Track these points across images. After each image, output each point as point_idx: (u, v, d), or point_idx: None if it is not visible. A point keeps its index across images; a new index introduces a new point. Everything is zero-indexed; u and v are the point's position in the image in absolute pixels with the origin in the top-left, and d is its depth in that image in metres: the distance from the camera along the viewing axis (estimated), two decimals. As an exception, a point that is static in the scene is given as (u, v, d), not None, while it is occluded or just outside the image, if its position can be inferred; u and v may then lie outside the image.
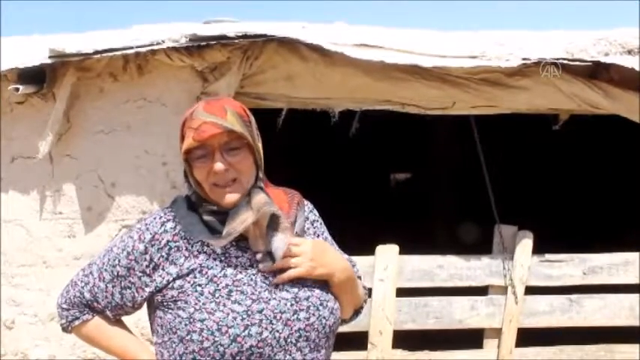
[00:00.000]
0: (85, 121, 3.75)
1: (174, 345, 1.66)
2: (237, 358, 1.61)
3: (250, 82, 3.74)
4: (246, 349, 1.61)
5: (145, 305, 1.77)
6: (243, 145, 1.68)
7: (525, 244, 4.08)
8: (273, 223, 1.69)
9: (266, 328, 1.62)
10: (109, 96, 3.76)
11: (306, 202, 1.85)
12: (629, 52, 3.80)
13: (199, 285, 1.65)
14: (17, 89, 3.51)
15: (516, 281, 4.05)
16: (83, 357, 3.72)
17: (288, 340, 1.64)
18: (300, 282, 1.70)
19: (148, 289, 1.70)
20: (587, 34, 3.93)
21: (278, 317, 1.64)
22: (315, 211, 1.87)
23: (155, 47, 3.53)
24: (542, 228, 4.50)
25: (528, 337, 4.19)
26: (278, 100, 3.84)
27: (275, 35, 3.58)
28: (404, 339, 4.19)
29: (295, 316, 1.65)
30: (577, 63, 3.75)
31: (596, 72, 3.91)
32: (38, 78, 3.59)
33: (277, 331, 1.63)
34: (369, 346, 4.02)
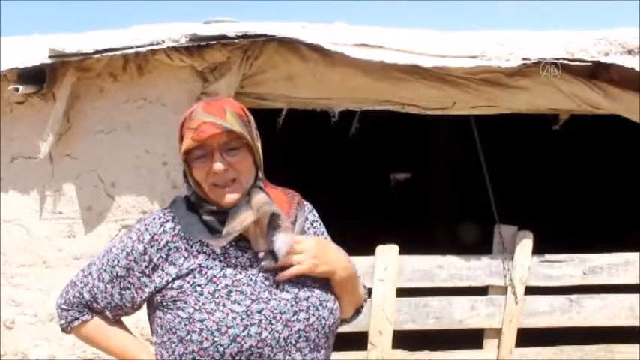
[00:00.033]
0: (85, 121, 3.75)
1: (173, 345, 1.66)
2: (237, 358, 1.61)
3: (250, 82, 3.75)
4: (246, 349, 1.61)
5: (144, 305, 1.77)
6: (242, 145, 1.68)
7: (525, 244, 4.08)
8: (273, 222, 1.69)
9: (265, 329, 1.62)
10: (109, 96, 3.76)
11: (305, 202, 1.85)
12: (629, 52, 3.80)
13: (199, 285, 1.65)
14: (17, 89, 3.51)
15: (516, 281, 4.05)
16: (83, 357, 3.72)
17: (288, 340, 1.64)
18: (299, 282, 1.70)
19: (147, 290, 1.70)
20: (587, 34, 3.93)
21: (278, 317, 1.64)
22: (315, 212, 1.88)
23: (155, 47, 3.53)
24: (542, 228, 4.50)
25: (528, 337, 4.19)
26: (278, 100, 3.84)
27: (275, 35, 3.58)
28: (404, 339, 4.19)
29: (295, 316, 1.65)
30: (577, 63, 3.75)
31: (596, 72, 3.91)
32: (38, 78, 3.59)
33: (277, 331, 1.63)
34: (369, 346, 4.02)
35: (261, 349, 1.61)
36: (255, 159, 1.71)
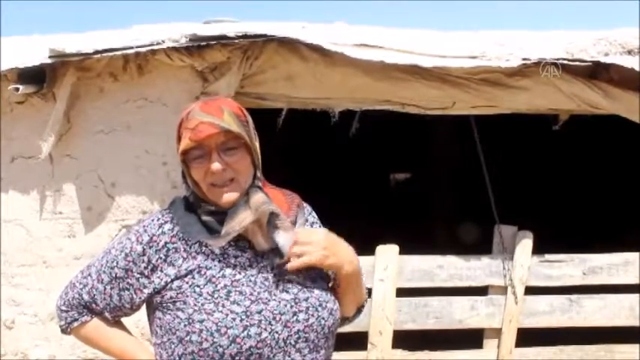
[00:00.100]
0: (85, 121, 3.75)
1: (173, 346, 1.66)
2: (237, 358, 1.60)
3: (250, 82, 3.74)
4: (246, 349, 1.60)
5: (144, 306, 1.77)
6: (240, 144, 1.68)
7: (525, 244, 4.08)
8: (272, 221, 1.68)
9: (265, 329, 1.62)
10: (109, 96, 3.76)
11: (305, 204, 1.85)
12: (629, 52, 3.80)
13: (198, 286, 1.65)
14: (17, 89, 3.51)
15: (516, 281, 4.05)
16: (83, 357, 3.72)
17: (288, 341, 1.64)
18: (299, 283, 1.70)
19: (146, 291, 1.70)
20: (587, 34, 3.93)
21: (277, 318, 1.64)
22: (314, 214, 1.88)
23: (155, 47, 3.53)
24: (542, 228, 4.50)
25: (528, 337, 4.19)
26: (278, 100, 3.83)
27: (275, 35, 3.58)
28: (404, 339, 4.19)
29: (295, 317, 1.65)
30: (577, 63, 3.75)
31: (596, 72, 3.91)
32: (38, 78, 3.59)
33: (276, 332, 1.63)
34: (369, 346, 4.02)
35: (261, 350, 1.61)
36: (254, 159, 1.71)
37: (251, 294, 1.65)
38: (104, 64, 3.68)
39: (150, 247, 1.70)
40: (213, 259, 1.68)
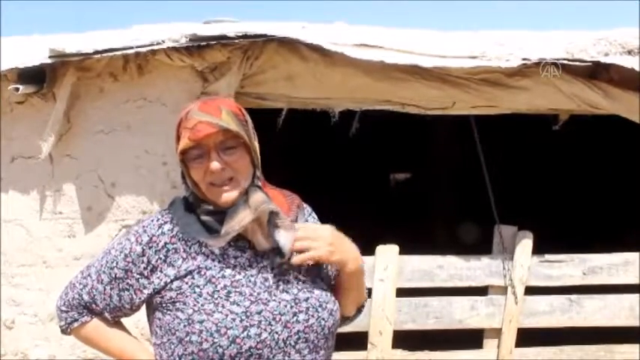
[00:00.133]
0: (85, 121, 3.75)
1: (172, 346, 1.66)
2: (236, 359, 1.60)
3: (250, 82, 3.74)
4: (245, 350, 1.60)
5: (144, 306, 1.77)
6: (239, 144, 1.68)
7: (525, 244, 4.08)
8: (273, 220, 1.68)
9: (265, 330, 1.62)
10: (109, 96, 3.76)
11: (305, 205, 1.85)
12: (629, 52, 3.80)
13: (197, 286, 1.65)
14: (17, 89, 3.51)
15: (516, 281, 4.05)
16: (83, 357, 3.72)
17: (287, 341, 1.64)
18: (299, 283, 1.70)
19: (146, 291, 1.70)
20: (587, 34, 3.93)
21: (277, 319, 1.64)
22: (314, 215, 1.87)
23: (155, 47, 3.53)
24: (542, 228, 4.50)
25: (528, 337, 4.19)
26: (278, 100, 3.83)
27: (275, 35, 3.58)
28: (404, 339, 4.19)
29: (294, 317, 1.65)
30: (577, 63, 3.75)
31: (596, 72, 3.91)
32: (38, 78, 3.59)
33: (276, 332, 1.63)
34: (368, 346, 4.02)
35: (261, 351, 1.61)
36: (253, 158, 1.71)
37: (251, 294, 1.65)
38: (104, 64, 3.68)
39: (149, 248, 1.69)
40: (213, 260, 1.68)
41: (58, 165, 3.75)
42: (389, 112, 4.02)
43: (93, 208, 3.76)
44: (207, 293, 1.64)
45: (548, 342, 4.27)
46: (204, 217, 1.68)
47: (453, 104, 3.93)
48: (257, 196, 1.68)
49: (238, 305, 1.63)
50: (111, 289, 1.74)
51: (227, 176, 1.66)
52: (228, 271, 1.67)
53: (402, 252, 4.03)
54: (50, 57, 3.48)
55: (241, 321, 1.61)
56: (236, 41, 3.55)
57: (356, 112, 4.05)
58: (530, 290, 4.13)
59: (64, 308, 1.80)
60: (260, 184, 1.72)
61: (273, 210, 1.68)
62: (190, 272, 1.67)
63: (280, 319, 1.64)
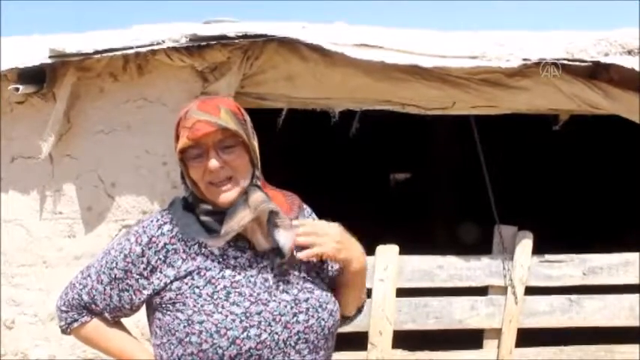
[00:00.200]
0: (85, 121, 3.75)
1: (172, 347, 1.66)
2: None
3: (251, 82, 3.74)
4: (245, 351, 1.60)
5: (144, 306, 1.77)
6: (237, 143, 1.67)
7: (525, 244, 4.08)
8: (272, 220, 1.68)
9: (265, 330, 1.62)
10: (109, 96, 3.76)
11: (305, 205, 1.85)
12: (629, 52, 3.80)
13: (197, 287, 1.65)
14: (17, 89, 3.51)
15: (516, 281, 4.05)
16: (83, 357, 3.72)
17: (287, 342, 1.64)
18: (299, 283, 1.70)
19: (145, 292, 1.70)
20: (587, 34, 3.93)
21: (277, 319, 1.63)
22: (314, 215, 1.87)
23: (155, 47, 3.53)
24: (542, 228, 4.50)
25: (528, 337, 4.19)
26: (278, 100, 3.83)
27: (275, 35, 3.58)
28: (404, 339, 4.19)
29: (294, 318, 1.65)
30: (577, 63, 3.75)
31: (596, 72, 3.91)
32: (38, 78, 3.59)
33: (276, 333, 1.63)
34: (369, 346, 4.02)
35: (261, 351, 1.61)
36: (252, 157, 1.70)
37: (250, 295, 1.64)
38: (104, 64, 3.68)
39: (149, 249, 1.69)
40: (212, 260, 1.67)
41: (58, 165, 3.75)
42: (389, 112, 4.02)
43: (93, 208, 3.76)
44: (207, 294, 1.64)
45: (548, 342, 4.28)
46: (203, 218, 1.68)
47: (453, 104, 3.93)
48: (256, 196, 1.67)
49: (238, 306, 1.62)
50: (111, 289, 1.74)
51: (226, 175, 1.66)
52: (227, 272, 1.66)
53: (402, 252, 4.03)
54: (50, 57, 3.48)
55: (241, 322, 1.61)
56: (236, 41, 3.55)
57: (356, 112, 4.05)
58: (530, 290, 4.13)
59: (64, 308, 1.80)
60: (259, 183, 1.71)
61: (273, 209, 1.68)
62: (190, 273, 1.66)
63: (280, 320, 1.64)
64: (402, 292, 4.05)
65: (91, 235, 3.75)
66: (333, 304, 1.74)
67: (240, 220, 1.65)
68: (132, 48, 3.49)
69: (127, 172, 3.75)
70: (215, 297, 1.63)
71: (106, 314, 1.77)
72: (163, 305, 1.68)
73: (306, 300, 1.68)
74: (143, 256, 1.69)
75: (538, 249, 4.13)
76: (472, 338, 4.21)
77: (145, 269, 1.69)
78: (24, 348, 3.78)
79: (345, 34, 3.82)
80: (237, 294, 1.64)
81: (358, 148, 7.28)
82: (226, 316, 1.61)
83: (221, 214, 1.67)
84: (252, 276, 1.67)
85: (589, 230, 6.88)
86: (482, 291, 4.14)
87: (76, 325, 1.79)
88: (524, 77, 3.86)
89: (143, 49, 3.51)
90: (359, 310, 1.92)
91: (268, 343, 1.62)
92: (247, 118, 1.73)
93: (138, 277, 1.70)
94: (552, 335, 4.25)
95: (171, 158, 3.68)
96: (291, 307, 1.65)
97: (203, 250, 1.68)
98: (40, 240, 3.77)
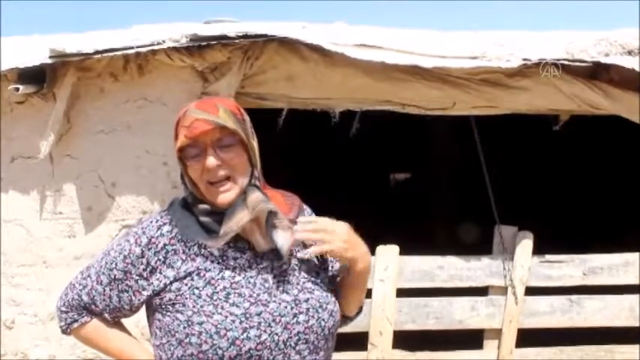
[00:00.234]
0: (86, 121, 3.75)
1: (172, 348, 1.65)
2: (236, 360, 1.60)
3: (251, 82, 3.74)
4: (245, 352, 1.60)
5: (144, 307, 1.77)
6: (236, 141, 1.67)
7: (525, 244, 4.08)
8: (271, 220, 1.67)
9: (265, 331, 1.61)
10: (109, 96, 3.76)
11: (305, 206, 1.84)
12: (630, 52, 3.80)
13: (197, 288, 1.65)
14: (17, 89, 3.51)
15: (516, 282, 4.05)
16: (83, 357, 3.72)
17: (287, 343, 1.63)
18: (299, 284, 1.70)
19: (145, 293, 1.70)
20: (587, 34, 3.93)
21: (277, 320, 1.63)
22: (314, 216, 1.87)
23: (156, 47, 3.53)
24: (543, 228, 4.50)
25: (528, 337, 4.19)
26: (278, 100, 3.83)
27: (275, 35, 3.58)
28: (404, 339, 4.19)
29: (295, 319, 1.65)
30: (577, 63, 3.75)
31: (597, 72, 3.91)
32: (38, 78, 3.59)
33: (276, 334, 1.62)
34: (369, 346, 4.02)
35: (260, 352, 1.61)
36: (251, 157, 1.70)
37: (250, 296, 1.64)
38: (104, 64, 3.68)
39: (148, 249, 1.69)
40: (212, 261, 1.67)
41: (58, 165, 3.75)
42: (389, 113, 4.02)
43: (93, 208, 3.76)
44: (207, 295, 1.63)
45: (548, 342, 4.27)
46: (202, 218, 1.68)
47: (453, 105, 3.93)
48: (255, 196, 1.67)
49: (238, 307, 1.62)
50: (110, 290, 1.73)
51: (224, 174, 1.65)
52: (227, 273, 1.66)
53: (402, 252, 4.03)
54: (50, 57, 3.48)
55: (241, 322, 1.61)
56: (236, 41, 3.55)
57: (356, 113, 4.05)
58: (531, 290, 4.13)
59: (63, 309, 1.80)
60: (258, 183, 1.71)
61: (271, 209, 1.67)
62: (190, 274, 1.66)
63: (280, 321, 1.63)
64: (402, 293, 4.05)
65: (91, 235, 3.75)
66: (333, 304, 1.73)
67: (238, 220, 1.64)
68: (132, 48, 3.49)
69: (127, 172, 3.75)
70: (215, 298, 1.63)
71: (106, 315, 1.77)
72: (163, 306, 1.67)
73: (307, 300, 1.68)
74: (143, 257, 1.69)
75: (538, 249, 4.13)
76: (472, 338, 4.22)
77: (144, 270, 1.69)
78: (24, 348, 3.78)
79: (346, 34, 3.82)
80: (236, 295, 1.63)
81: (358, 149, 7.28)
82: (226, 317, 1.61)
83: (220, 214, 1.66)
84: (251, 277, 1.67)
85: (589, 230, 6.88)
86: (482, 291, 4.14)
87: (75, 325, 1.79)
88: (524, 77, 3.86)
89: (143, 49, 3.51)
90: (359, 310, 1.92)
91: (268, 343, 1.61)
92: (247, 118, 1.72)
93: (137, 278, 1.70)
94: (553, 335, 4.25)
95: (172, 158, 3.66)
96: (292, 308, 1.65)
97: (203, 251, 1.68)
98: (40, 240, 3.77)
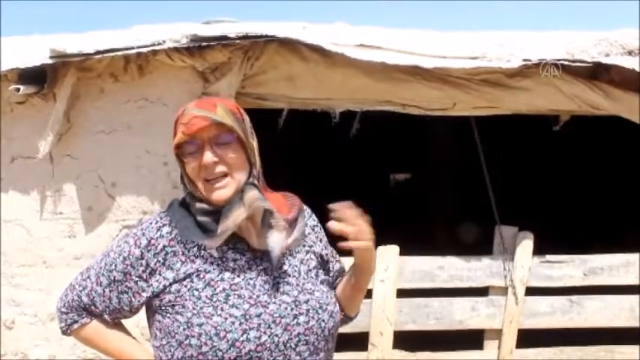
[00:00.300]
0: (86, 121, 3.75)
1: (172, 349, 1.65)
2: (236, 362, 1.60)
3: (251, 82, 3.74)
4: (245, 353, 1.60)
5: (144, 308, 1.77)
6: (233, 139, 1.66)
7: (526, 244, 4.08)
8: (267, 220, 1.67)
9: (265, 333, 1.61)
10: (109, 96, 3.76)
11: (305, 207, 1.84)
12: (630, 52, 3.80)
13: (196, 289, 1.64)
14: (18, 89, 3.51)
15: (517, 282, 4.05)
16: (83, 357, 3.72)
17: (287, 344, 1.63)
18: (299, 285, 1.69)
19: (145, 294, 1.70)
20: (587, 34, 3.93)
21: (277, 321, 1.63)
22: (315, 217, 1.87)
23: (156, 47, 3.53)
24: (543, 229, 4.50)
25: (529, 338, 4.19)
26: (279, 100, 3.83)
27: (276, 36, 3.58)
28: (404, 340, 4.19)
29: (295, 320, 1.64)
30: (578, 64, 3.75)
31: (597, 73, 3.91)
32: (39, 78, 3.59)
33: (276, 335, 1.62)
34: (369, 346, 4.02)
35: (260, 354, 1.60)
36: (249, 156, 1.70)
37: (250, 297, 1.64)
38: (105, 65, 3.68)
39: (148, 251, 1.69)
40: (211, 263, 1.67)
41: (59, 165, 3.75)
42: (389, 113, 4.02)
43: (93, 208, 3.75)
44: (206, 296, 1.63)
45: (548, 343, 4.27)
46: (200, 218, 1.67)
47: (453, 105, 3.93)
48: (252, 194, 1.66)
49: (237, 308, 1.62)
50: (110, 291, 1.73)
51: (221, 171, 1.65)
52: (227, 274, 1.66)
53: (402, 252, 4.03)
54: (51, 57, 3.48)
55: (240, 324, 1.60)
56: (237, 42, 3.55)
57: (356, 113, 4.05)
58: (531, 291, 4.13)
59: (63, 310, 1.80)
60: (256, 182, 1.70)
61: (267, 208, 1.67)
62: (189, 275, 1.66)
63: (280, 322, 1.63)
64: (402, 293, 4.05)
65: (91, 235, 3.75)
66: (333, 305, 1.73)
67: (235, 218, 1.63)
68: (133, 48, 3.49)
69: (127, 172, 3.75)
70: (214, 299, 1.63)
71: (106, 316, 1.77)
72: (163, 307, 1.67)
73: (307, 301, 1.68)
74: (142, 258, 1.69)
75: (539, 249, 4.13)
76: (473, 339, 4.22)
77: (144, 272, 1.69)
78: (24, 348, 3.78)
79: (346, 34, 3.82)
80: (236, 296, 1.63)
81: (359, 149, 7.28)
82: (225, 318, 1.61)
83: (217, 213, 1.66)
84: (251, 278, 1.66)
85: (589, 231, 6.88)
86: (482, 291, 4.14)
87: (76, 326, 1.79)
88: (524, 78, 3.86)
89: (144, 49, 3.51)
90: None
91: (268, 345, 1.61)
92: (246, 118, 1.72)
93: (137, 279, 1.69)
94: (553, 336, 4.25)
95: (172, 158, 3.64)
96: (292, 309, 1.65)
97: (202, 252, 1.67)
98: (40, 240, 3.77)
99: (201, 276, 1.65)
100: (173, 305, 1.65)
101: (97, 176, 3.77)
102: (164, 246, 1.68)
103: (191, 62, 3.65)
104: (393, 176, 10.21)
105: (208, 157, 1.63)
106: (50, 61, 3.50)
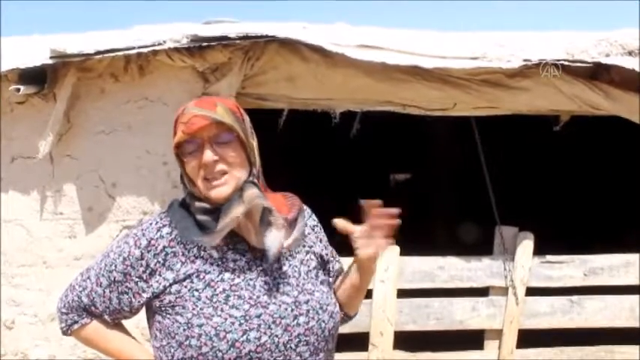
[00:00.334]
0: (86, 122, 3.75)
1: (172, 350, 1.65)
2: (236, 363, 1.60)
3: (251, 82, 3.74)
4: (245, 354, 1.60)
5: (144, 308, 1.77)
6: (233, 138, 1.67)
7: (526, 245, 4.08)
8: (266, 218, 1.67)
9: (265, 333, 1.61)
10: (110, 96, 3.76)
11: (305, 207, 1.84)
12: (630, 53, 3.80)
13: (196, 290, 1.64)
14: (18, 89, 3.51)
15: (517, 282, 4.05)
16: (83, 357, 3.72)
17: (288, 345, 1.63)
18: (299, 285, 1.69)
19: (145, 295, 1.70)
20: (587, 34, 3.93)
21: (277, 322, 1.63)
22: (314, 217, 1.87)
23: (157, 48, 3.53)
24: (543, 229, 4.50)
25: (529, 338, 4.19)
26: (279, 100, 3.83)
27: (276, 36, 3.57)
28: (405, 340, 4.19)
29: (295, 320, 1.64)
30: (578, 64, 3.75)
31: (597, 73, 3.91)
32: (39, 78, 3.59)
33: (276, 335, 1.62)
34: (369, 347, 4.02)
35: (260, 354, 1.60)
36: (249, 155, 1.70)
37: (250, 298, 1.64)
38: (105, 65, 3.68)
39: (148, 252, 1.68)
40: (211, 263, 1.67)
41: (59, 165, 3.75)
42: (390, 113, 4.02)
43: (94, 208, 3.75)
44: (206, 297, 1.63)
45: (548, 343, 4.27)
46: (200, 217, 1.67)
47: (454, 105, 3.93)
48: (251, 192, 1.66)
49: (237, 309, 1.62)
50: (110, 292, 1.73)
51: (220, 170, 1.65)
52: (227, 275, 1.65)
53: (402, 253, 4.03)
54: (51, 57, 3.48)
55: (240, 325, 1.60)
56: (237, 42, 3.55)
57: (357, 113, 4.05)
58: (531, 291, 4.13)
59: (64, 310, 1.80)
60: (256, 181, 1.70)
61: (266, 206, 1.67)
62: (189, 276, 1.66)
63: (280, 323, 1.63)
64: (402, 293, 4.05)
65: (91, 235, 3.75)
66: (333, 305, 1.73)
67: (234, 215, 1.63)
68: (133, 48, 3.49)
69: (127, 172, 3.75)
70: (214, 300, 1.63)
71: (106, 316, 1.77)
72: (163, 308, 1.67)
73: (307, 302, 1.67)
74: (142, 259, 1.69)
75: (539, 250, 4.13)
76: (473, 339, 4.21)
77: (144, 272, 1.68)
78: (24, 348, 3.78)
79: (346, 34, 3.82)
80: (236, 297, 1.63)
81: (359, 149, 7.28)
82: (225, 319, 1.61)
83: (217, 212, 1.65)
84: (251, 279, 1.66)
85: (590, 231, 6.88)
86: (483, 292, 4.14)
87: (76, 326, 1.79)
88: (524, 78, 3.86)
89: (144, 49, 3.51)
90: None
91: (268, 345, 1.61)
92: (246, 117, 1.73)
93: (137, 280, 1.69)
94: (553, 336, 4.25)
95: (172, 158, 3.63)
96: (292, 310, 1.65)
97: (202, 253, 1.67)
98: (40, 240, 3.77)
99: (201, 277, 1.65)
100: (173, 306, 1.65)
101: (97, 176, 3.77)
102: (164, 246, 1.68)
103: (191, 62, 3.65)
104: (394, 176, 10.20)
105: (208, 155, 1.63)
106: (50, 61, 3.50)
